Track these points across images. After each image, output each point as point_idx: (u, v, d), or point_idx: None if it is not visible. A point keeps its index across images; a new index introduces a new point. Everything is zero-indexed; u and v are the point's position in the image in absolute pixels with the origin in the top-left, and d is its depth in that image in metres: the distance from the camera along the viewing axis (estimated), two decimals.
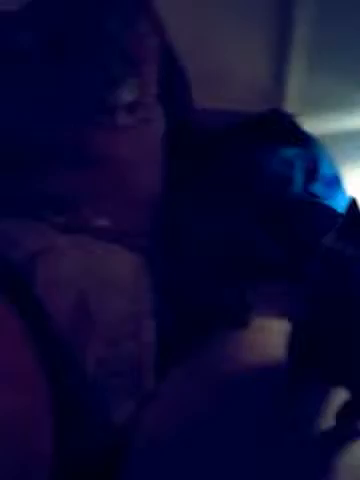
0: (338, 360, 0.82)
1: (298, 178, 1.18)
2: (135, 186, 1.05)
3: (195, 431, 0.89)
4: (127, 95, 1.01)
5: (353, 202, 0.81)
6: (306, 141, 1.25)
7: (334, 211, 1.09)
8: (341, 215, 0.84)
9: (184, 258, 1.02)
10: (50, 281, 0.91)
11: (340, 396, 0.90)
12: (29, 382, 0.78)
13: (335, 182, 1.24)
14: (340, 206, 1.12)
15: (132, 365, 0.98)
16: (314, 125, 1.32)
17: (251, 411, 0.91)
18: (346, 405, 0.88)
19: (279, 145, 1.21)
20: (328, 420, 0.90)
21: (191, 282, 1.01)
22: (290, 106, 1.41)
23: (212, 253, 1.01)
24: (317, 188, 1.20)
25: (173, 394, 0.97)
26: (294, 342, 0.87)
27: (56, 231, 1.00)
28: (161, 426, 0.92)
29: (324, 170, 1.23)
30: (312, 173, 1.21)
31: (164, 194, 1.08)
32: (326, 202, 1.16)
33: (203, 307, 1.02)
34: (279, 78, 1.42)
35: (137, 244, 1.04)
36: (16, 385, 0.75)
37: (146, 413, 0.94)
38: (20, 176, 0.99)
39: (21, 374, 0.77)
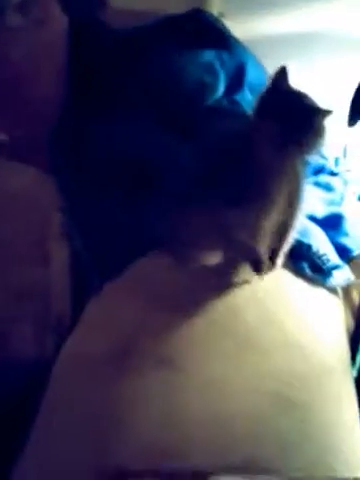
0: None
1: (219, 85, 1.08)
2: (31, 96, 0.95)
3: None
4: None
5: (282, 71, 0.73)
6: (230, 45, 1.14)
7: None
8: None
9: (89, 174, 0.93)
10: None
11: None
12: None
13: None
14: None
15: (42, 292, 0.92)
16: (241, 28, 1.20)
17: None
18: None
19: (199, 49, 1.10)
20: None
21: (99, 199, 0.92)
22: (213, 7, 1.30)
23: (117, 163, 0.91)
24: (243, 96, 1.10)
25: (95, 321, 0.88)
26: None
27: None
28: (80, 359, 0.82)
29: (251, 77, 1.13)
30: (237, 80, 1.11)
31: (66, 104, 0.99)
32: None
33: (116, 227, 0.93)
34: None
35: (38, 160, 0.96)
36: None
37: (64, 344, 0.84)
38: None
39: None
